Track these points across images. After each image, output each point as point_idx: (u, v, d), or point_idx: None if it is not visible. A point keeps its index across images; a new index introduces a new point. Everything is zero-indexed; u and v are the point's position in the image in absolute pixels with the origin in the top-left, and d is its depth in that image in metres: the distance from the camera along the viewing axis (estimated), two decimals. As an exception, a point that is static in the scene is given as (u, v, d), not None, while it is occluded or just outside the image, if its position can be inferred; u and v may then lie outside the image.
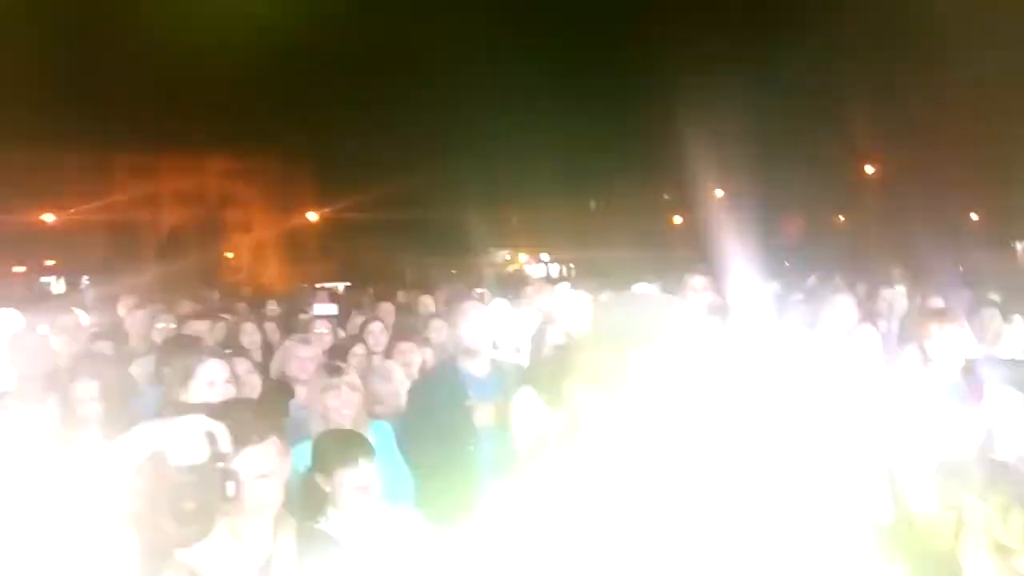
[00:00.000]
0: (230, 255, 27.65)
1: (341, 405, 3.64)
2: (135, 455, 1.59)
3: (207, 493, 1.61)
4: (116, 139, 23.59)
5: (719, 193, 23.32)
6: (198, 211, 26.68)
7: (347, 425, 3.57)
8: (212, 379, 3.06)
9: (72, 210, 25.13)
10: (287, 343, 4.70)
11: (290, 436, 3.57)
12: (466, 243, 26.28)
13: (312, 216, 27.97)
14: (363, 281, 25.34)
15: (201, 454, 1.63)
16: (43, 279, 26.44)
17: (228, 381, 3.10)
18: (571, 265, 28.38)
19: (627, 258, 16.03)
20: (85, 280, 25.99)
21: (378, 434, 3.73)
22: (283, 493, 2.01)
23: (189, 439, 1.64)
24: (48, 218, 25.57)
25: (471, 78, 25.91)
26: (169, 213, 26.59)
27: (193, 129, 24.24)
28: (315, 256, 27.48)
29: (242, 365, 3.87)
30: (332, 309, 6.38)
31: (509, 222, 28.04)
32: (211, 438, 1.67)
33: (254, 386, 3.88)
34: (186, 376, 3.07)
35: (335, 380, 3.72)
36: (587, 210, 26.94)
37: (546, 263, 31.21)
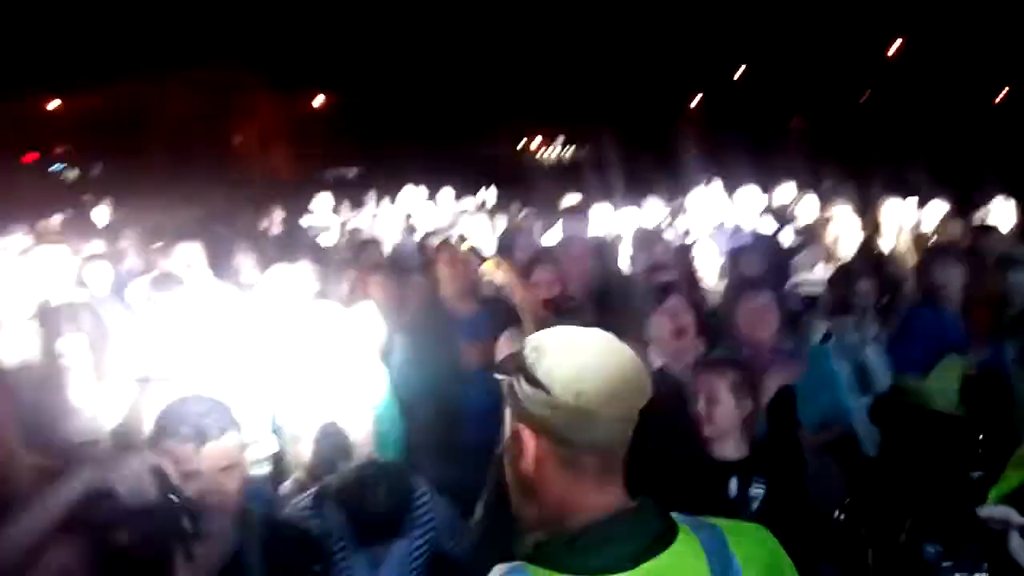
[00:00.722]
0: (238, 141, 27.41)
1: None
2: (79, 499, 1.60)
3: (162, 530, 1.62)
4: (124, 24, 22.85)
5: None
6: (203, 98, 26.16)
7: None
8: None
9: (80, 96, 24.82)
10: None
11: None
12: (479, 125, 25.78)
13: (319, 100, 27.46)
14: (373, 166, 25.12)
15: (150, 492, 1.63)
16: (55, 166, 26.41)
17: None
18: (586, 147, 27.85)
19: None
20: (99, 167, 25.98)
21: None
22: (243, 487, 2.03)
23: (137, 478, 1.64)
24: (56, 104, 25.29)
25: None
26: (175, 100, 26.07)
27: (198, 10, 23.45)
28: (324, 141, 27.13)
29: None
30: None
31: (527, 100, 27.18)
32: (158, 474, 1.67)
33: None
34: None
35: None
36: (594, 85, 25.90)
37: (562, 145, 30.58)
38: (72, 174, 25.72)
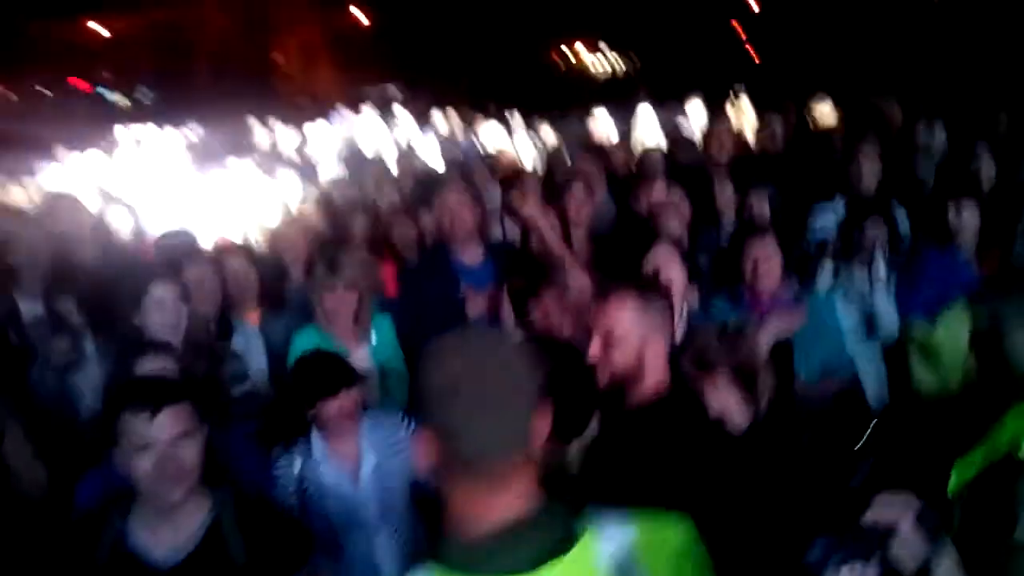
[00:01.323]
0: (280, 60, 27.18)
1: (335, 306, 3.70)
2: None
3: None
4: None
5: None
6: (244, 15, 25.90)
7: (345, 326, 3.65)
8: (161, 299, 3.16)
9: (123, 18, 24.80)
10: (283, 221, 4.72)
11: (291, 321, 3.71)
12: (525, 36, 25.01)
13: (361, 15, 26.95)
14: (417, 84, 24.75)
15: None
16: (100, 89, 26.62)
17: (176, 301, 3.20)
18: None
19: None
20: (143, 90, 26.16)
21: (379, 329, 3.82)
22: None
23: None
24: (97, 28, 25.34)
25: None
26: (214, 19, 25.86)
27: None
28: (367, 58, 26.73)
29: (235, 262, 3.94)
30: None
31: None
32: None
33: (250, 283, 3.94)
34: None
35: (330, 281, 3.75)
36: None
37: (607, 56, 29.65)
38: (118, 98, 25.91)
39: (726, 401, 2.38)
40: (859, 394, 3.71)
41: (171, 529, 1.97)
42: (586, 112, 9.51)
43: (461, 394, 1.26)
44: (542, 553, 1.24)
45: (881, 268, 3.88)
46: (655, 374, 2.24)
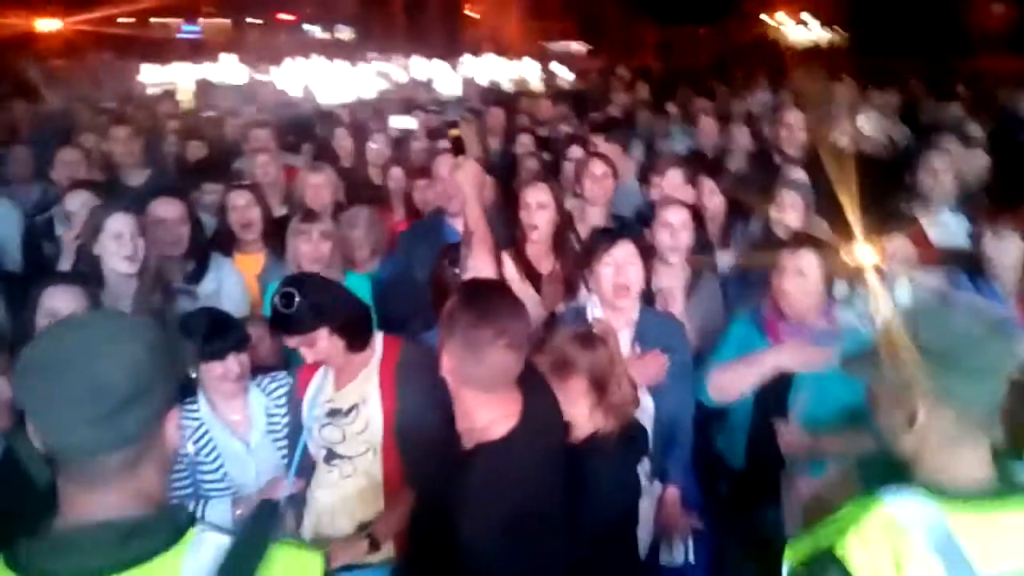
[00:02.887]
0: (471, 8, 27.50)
1: (310, 252, 3.57)
2: None
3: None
4: None
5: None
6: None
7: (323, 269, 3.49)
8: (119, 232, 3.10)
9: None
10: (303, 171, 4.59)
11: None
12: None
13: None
14: (597, 43, 24.25)
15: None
16: (305, 26, 28.12)
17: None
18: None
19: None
20: (341, 27, 27.44)
21: (352, 288, 3.62)
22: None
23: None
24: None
25: None
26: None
27: None
28: (554, 14, 26.56)
29: (242, 198, 3.85)
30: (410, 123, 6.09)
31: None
32: None
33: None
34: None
35: (305, 226, 3.63)
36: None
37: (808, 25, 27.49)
38: (319, 32, 27.23)
39: (572, 409, 2.29)
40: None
41: None
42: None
43: (35, 387, 1.21)
44: (116, 560, 1.19)
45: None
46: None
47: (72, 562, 1.18)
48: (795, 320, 3.04)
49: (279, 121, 6.64)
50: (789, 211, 3.83)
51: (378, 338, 2.65)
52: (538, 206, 3.52)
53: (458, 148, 2.47)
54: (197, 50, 20.52)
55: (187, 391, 2.71)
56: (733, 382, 3.01)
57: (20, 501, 2.07)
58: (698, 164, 4.85)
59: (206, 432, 2.73)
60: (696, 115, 6.36)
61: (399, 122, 5.77)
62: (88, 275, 3.00)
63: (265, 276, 3.71)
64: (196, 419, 2.74)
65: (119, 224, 3.12)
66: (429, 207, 4.30)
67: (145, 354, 1.23)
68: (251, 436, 2.77)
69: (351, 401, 2.58)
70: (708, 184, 4.34)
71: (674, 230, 3.51)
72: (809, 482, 2.59)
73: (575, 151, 4.66)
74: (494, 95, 8.98)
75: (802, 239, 3.26)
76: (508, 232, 3.62)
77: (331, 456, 2.60)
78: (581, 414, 2.40)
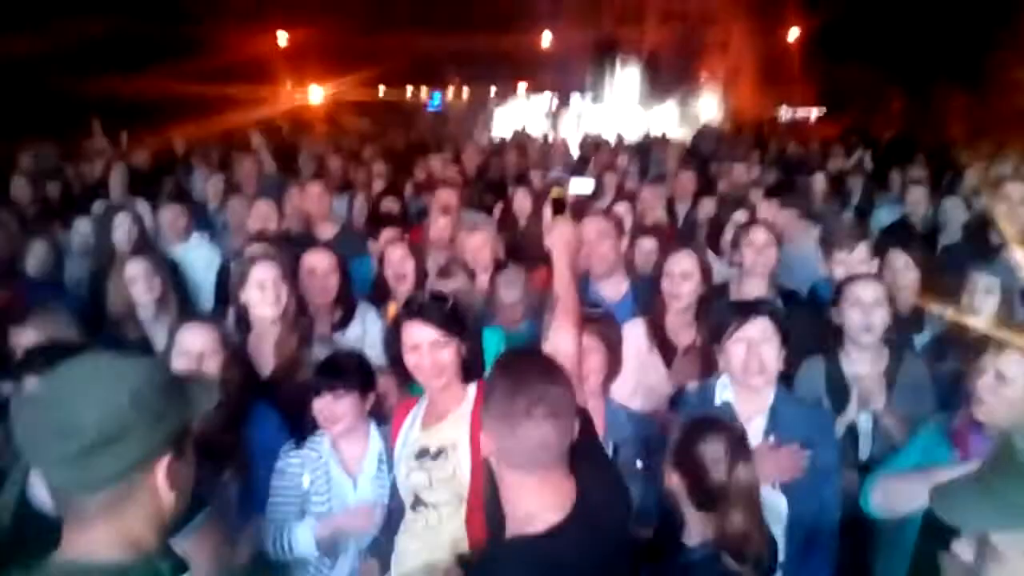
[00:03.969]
0: (706, 77, 27.24)
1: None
2: None
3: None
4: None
5: None
6: (678, 29, 26.56)
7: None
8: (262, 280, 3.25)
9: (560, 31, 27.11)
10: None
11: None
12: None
13: (793, 33, 25.79)
14: (838, 109, 23.05)
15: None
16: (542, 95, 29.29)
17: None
18: None
19: None
20: (577, 96, 28.28)
21: (488, 344, 3.60)
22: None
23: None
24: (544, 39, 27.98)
25: None
26: (651, 32, 27.02)
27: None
28: (793, 79, 25.64)
29: (398, 251, 3.94)
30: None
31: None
32: None
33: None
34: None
35: (441, 283, 3.63)
36: None
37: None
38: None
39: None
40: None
41: None
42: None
43: (21, 424, 1.24)
44: None
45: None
46: None
47: None
48: (992, 433, 2.54)
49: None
50: (983, 297, 3.26)
51: (473, 384, 2.55)
52: (681, 275, 3.28)
53: (557, 208, 2.32)
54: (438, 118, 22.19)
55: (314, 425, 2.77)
56: (904, 495, 2.52)
57: (36, 535, 2.18)
58: (894, 236, 4.31)
59: (323, 466, 2.77)
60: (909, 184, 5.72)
61: (577, 186, 5.69)
62: (220, 315, 3.16)
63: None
64: (317, 452, 2.78)
65: (262, 273, 3.29)
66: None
67: (126, 399, 1.22)
68: (360, 477, 2.76)
69: (439, 443, 2.48)
70: (901, 258, 3.83)
71: (865, 308, 3.10)
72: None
73: (739, 216, 4.33)
74: (690, 157, 8.69)
75: (1002, 337, 2.73)
76: (650, 301, 3.40)
77: (417, 503, 2.49)
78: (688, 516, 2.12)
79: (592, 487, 1.77)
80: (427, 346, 2.47)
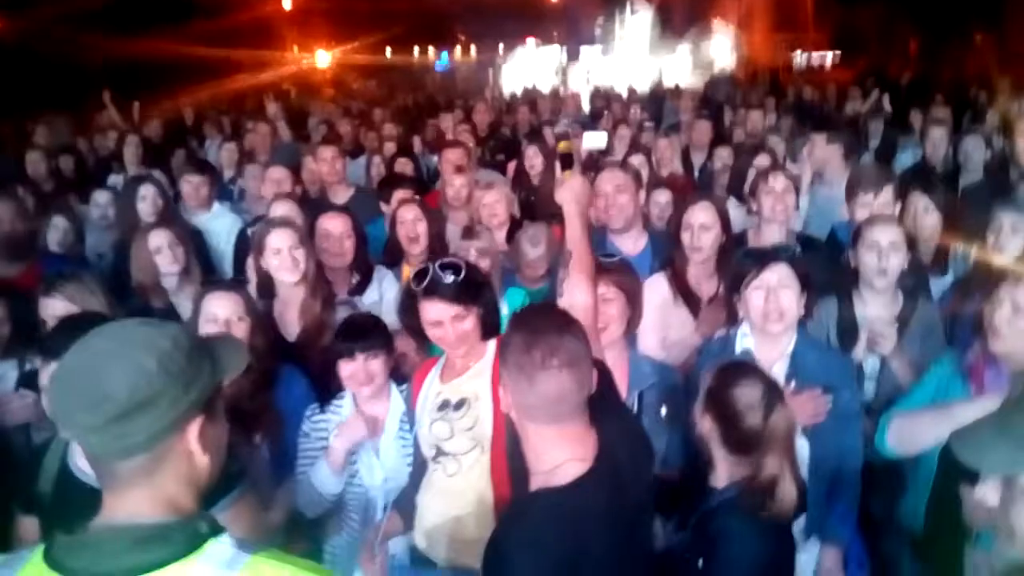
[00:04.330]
0: (718, 23, 26.81)
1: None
2: None
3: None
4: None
5: None
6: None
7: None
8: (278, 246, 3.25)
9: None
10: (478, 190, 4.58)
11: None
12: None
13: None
14: (853, 52, 22.63)
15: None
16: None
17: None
18: None
19: None
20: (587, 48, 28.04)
21: (511, 303, 3.61)
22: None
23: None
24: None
25: None
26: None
27: None
28: (807, 23, 25.20)
29: (410, 212, 3.93)
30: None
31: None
32: None
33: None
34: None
35: (464, 243, 3.64)
36: None
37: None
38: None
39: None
40: None
41: None
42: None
43: (53, 396, 1.29)
44: (131, 564, 1.21)
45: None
46: None
47: (90, 561, 1.21)
48: (1008, 367, 2.52)
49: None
50: (1009, 236, 3.23)
51: (493, 340, 2.55)
52: (701, 227, 3.26)
53: (565, 163, 2.30)
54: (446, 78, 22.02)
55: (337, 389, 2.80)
56: (920, 432, 2.52)
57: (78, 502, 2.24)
58: (914, 179, 4.26)
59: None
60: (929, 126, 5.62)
61: (591, 140, 5.62)
62: (243, 282, 3.18)
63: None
64: (340, 414, 2.82)
65: (278, 239, 3.30)
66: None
67: (154, 364, 1.24)
68: (383, 437, 2.80)
69: (461, 395, 2.48)
70: (922, 201, 3.79)
71: (882, 251, 3.07)
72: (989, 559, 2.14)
73: (761, 161, 4.28)
74: (704, 105, 8.58)
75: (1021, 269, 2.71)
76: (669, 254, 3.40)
77: (439, 454, 2.48)
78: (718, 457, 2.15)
79: (614, 438, 1.79)
80: (448, 321, 2.46)
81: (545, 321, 1.73)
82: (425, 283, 2.48)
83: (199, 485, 1.34)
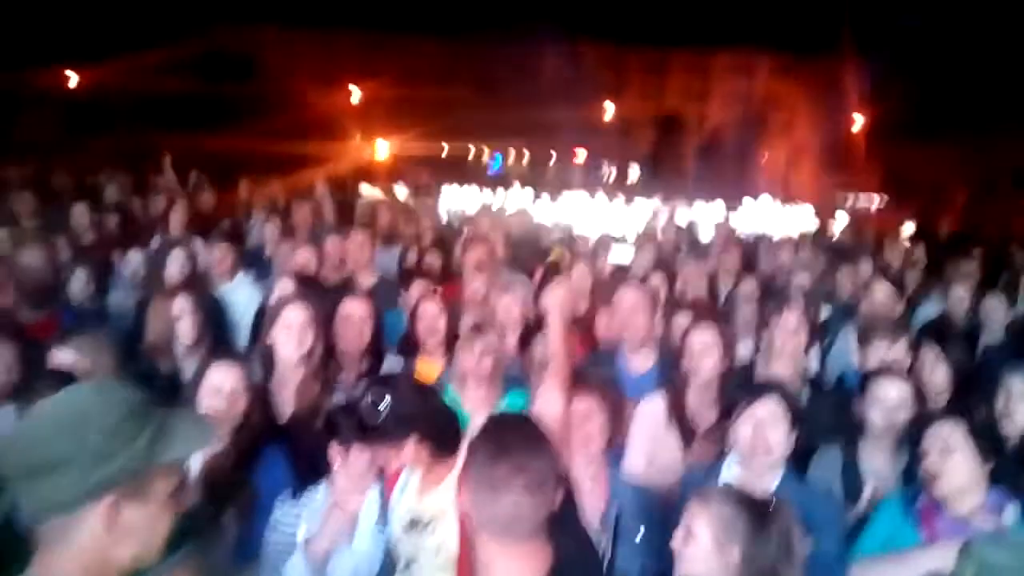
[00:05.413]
0: (765, 157, 27.18)
1: (471, 366, 3.56)
2: None
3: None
4: (670, 37, 24.72)
5: None
6: (741, 110, 26.68)
7: (481, 385, 3.48)
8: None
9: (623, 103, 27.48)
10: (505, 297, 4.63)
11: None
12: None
13: (858, 121, 25.65)
14: (899, 199, 22.72)
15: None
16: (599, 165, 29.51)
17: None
18: None
19: None
20: (635, 166, 28.44)
21: (512, 406, 3.60)
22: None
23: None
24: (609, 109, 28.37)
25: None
26: (713, 110, 27.20)
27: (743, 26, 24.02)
28: (854, 166, 25.44)
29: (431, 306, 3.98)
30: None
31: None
32: None
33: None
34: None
35: (469, 340, 3.65)
36: None
37: None
38: (606, 170, 28.44)
39: None
40: None
41: None
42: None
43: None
44: None
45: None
46: None
47: None
48: (952, 514, 2.55)
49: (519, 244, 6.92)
50: (1017, 402, 3.17)
51: (464, 447, 2.53)
52: (702, 350, 3.26)
53: (551, 273, 2.37)
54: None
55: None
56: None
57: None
58: (931, 332, 4.23)
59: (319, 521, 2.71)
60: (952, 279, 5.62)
61: (617, 254, 5.73)
62: (251, 356, 3.22)
63: (440, 383, 3.77)
64: (316, 503, 2.75)
65: (291, 315, 3.36)
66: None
67: (66, 433, 1.27)
68: (355, 535, 2.74)
69: (431, 513, 2.44)
70: (932, 352, 3.76)
71: (888, 408, 3.06)
72: None
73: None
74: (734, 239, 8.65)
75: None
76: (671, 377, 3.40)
77: (406, 568, 2.45)
78: None
79: (567, 559, 1.76)
80: (386, 457, 2.46)
81: (515, 435, 1.72)
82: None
83: (114, 562, 1.31)
